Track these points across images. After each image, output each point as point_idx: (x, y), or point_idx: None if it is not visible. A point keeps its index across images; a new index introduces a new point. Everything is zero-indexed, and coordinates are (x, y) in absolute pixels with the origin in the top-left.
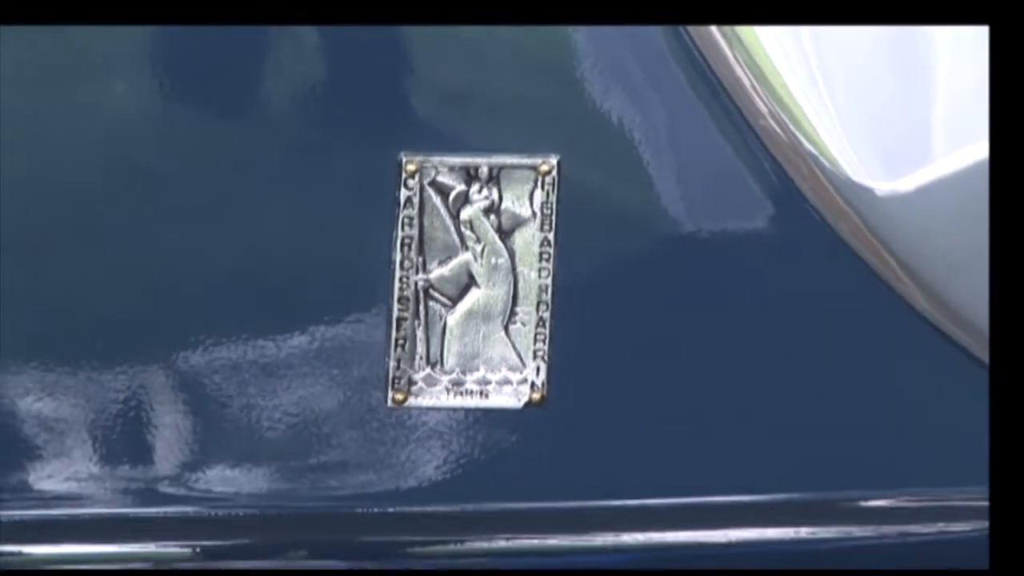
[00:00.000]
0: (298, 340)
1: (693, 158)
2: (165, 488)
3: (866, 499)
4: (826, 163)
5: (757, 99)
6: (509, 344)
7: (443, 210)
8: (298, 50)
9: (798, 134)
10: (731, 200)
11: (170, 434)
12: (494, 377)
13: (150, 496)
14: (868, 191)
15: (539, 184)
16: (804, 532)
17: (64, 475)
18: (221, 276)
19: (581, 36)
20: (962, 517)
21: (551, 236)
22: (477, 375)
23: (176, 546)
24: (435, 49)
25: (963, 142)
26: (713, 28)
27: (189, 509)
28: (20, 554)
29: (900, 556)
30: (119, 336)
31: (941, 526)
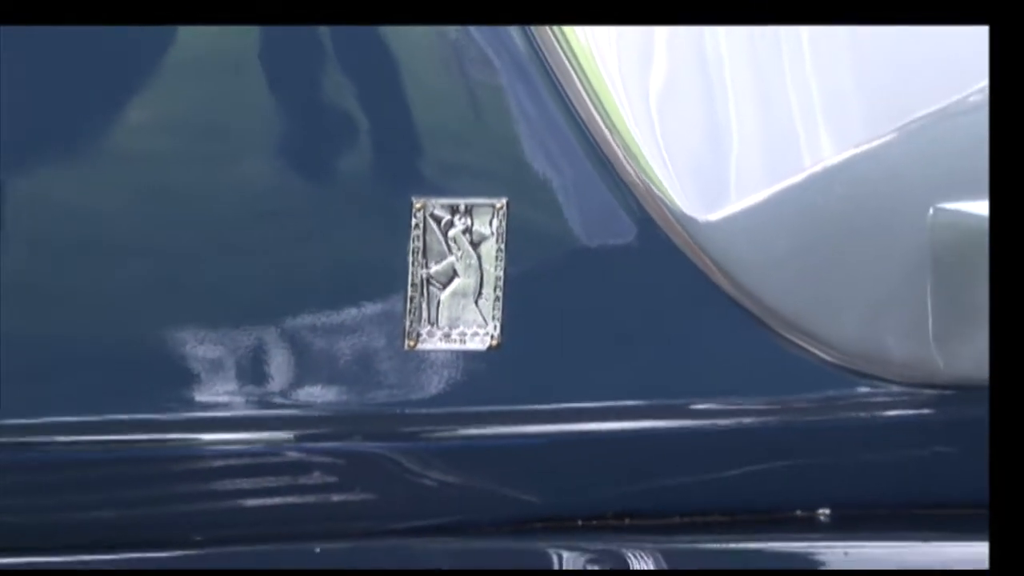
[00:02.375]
0: (350, 310)
1: (588, 198)
2: (275, 399)
3: (693, 403)
4: (668, 202)
5: (628, 165)
6: (478, 311)
7: (437, 231)
8: (351, 129)
9: (650, 184)
10: (610, 225)
11: (276, 367)
12: (469, 331)
13: (266, 404)
14: (693, 219)
15: (495, 215)
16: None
17: (214, 392)
18: (307, 271)
19: (522, 128)
20: (745, 416)
21: (503, 246)
22: (459, 330)
23: (282, 435)
24: (435, 128)
25: (756, 184)
26: (596, 115)
27: (288, 412)
28: (193, 440)
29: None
30: (249, 309)
31: (735, 420)
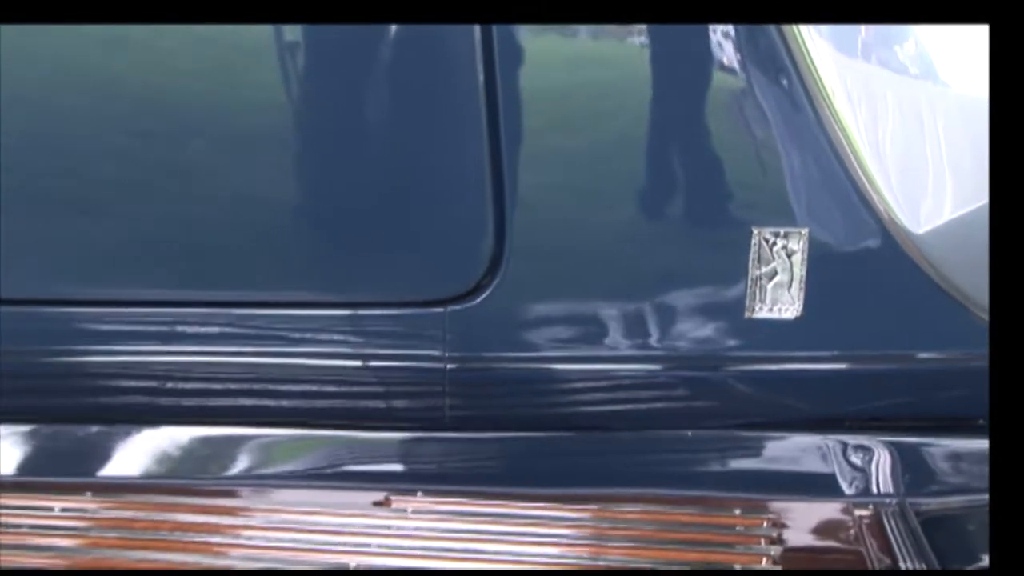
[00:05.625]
0: (716, 293)
1: (853, 225)
2: (661, 344)
3: (913, 353)
4: (899, 223)
5: (878, 203)
6: (789, 295)
7: (766, 247)
8: (723, 187)
9: (891, 213)
10: (866, 238)
11: (668, 330)
12: (783, 307)
13: (653, 347)
14: (915, 233)
15: (801, 237)
16: (894, 367)
17: (629, 338)
18: (692, 274)
19: (817, 183)
20: (940, 362)
21: (805, 256)
22: (777, 306)
23: (656, 366)
24: (768, 186)
25: (952, 212)
26: (861, 174)
27: (671, 352)
28: (614, 368)
29: None
30: (653, 295)
31: (935, 366)
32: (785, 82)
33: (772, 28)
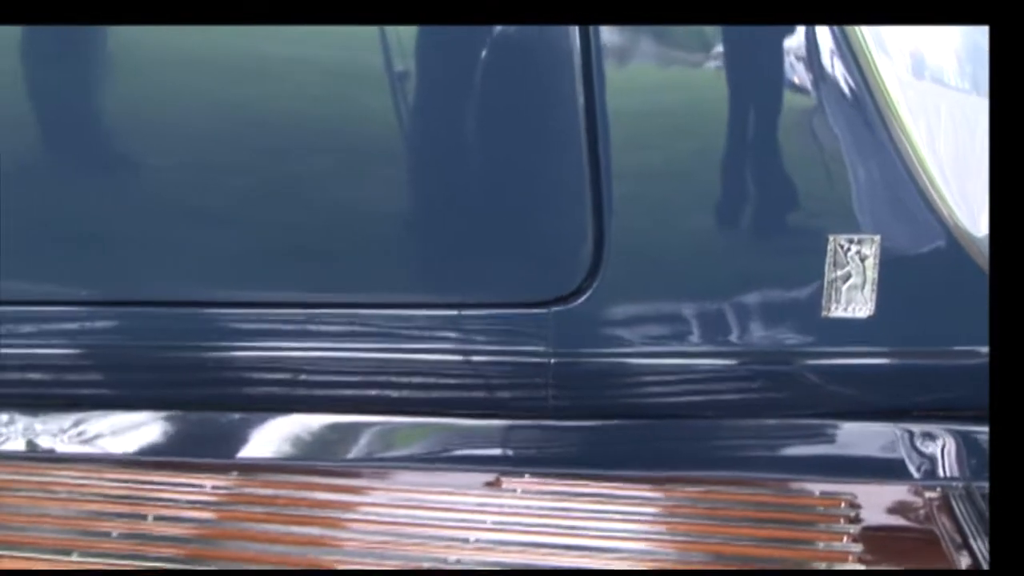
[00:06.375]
0: (795, 294)
1: (921, 230)
2: (739, 341)
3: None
4: (961, 226)
5: (944, 210)
6: (862, 296)
7: (841, 252)
8: (800, 199)
9: (955, 217)
10: (932, 240)
11: (748, 326)
12: (856, 307)
13: (733, 343)
14: (971, 232)
15: (873, 243)
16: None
17: (706, 337)
18: (777, 278)
19: (886, 194)
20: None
21: (877, 260)
22: (851, 306)
23: (732, 362)
24: (841, 198)
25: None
26: (928, 185)
27: (750, 348)
28: (691, 363)
29: None
30: (730, 297)
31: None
32: (857, 102)
33: (844, 48)
